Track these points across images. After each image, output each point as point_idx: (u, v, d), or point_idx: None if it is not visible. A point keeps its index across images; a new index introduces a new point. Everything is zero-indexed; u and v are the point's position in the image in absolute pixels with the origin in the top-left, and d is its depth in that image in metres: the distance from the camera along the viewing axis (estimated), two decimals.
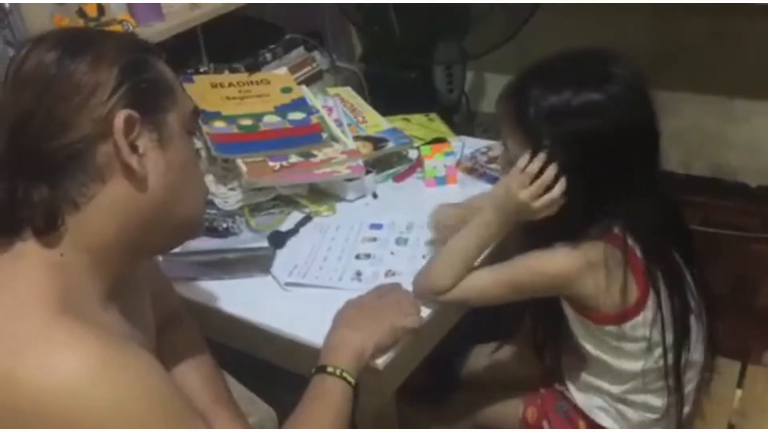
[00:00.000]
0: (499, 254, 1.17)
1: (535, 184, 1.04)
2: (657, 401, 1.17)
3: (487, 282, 1.13)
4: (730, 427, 1.33)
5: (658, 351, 1.12)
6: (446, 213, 1.32)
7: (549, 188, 1.04)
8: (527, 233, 1.13)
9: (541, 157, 1.04)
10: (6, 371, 0.68)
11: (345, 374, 0.99)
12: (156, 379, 0.74)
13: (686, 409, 1.21)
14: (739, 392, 1.39)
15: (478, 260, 1.16)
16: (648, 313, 1.10)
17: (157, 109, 0.81)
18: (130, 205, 0.80)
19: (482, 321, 1.27)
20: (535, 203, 1.05)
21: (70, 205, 0.77)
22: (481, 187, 1.48)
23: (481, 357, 1.47)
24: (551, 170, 1.03)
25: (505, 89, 1.11)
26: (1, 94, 0.78)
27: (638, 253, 1.09)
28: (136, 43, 0.83)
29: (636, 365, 1.14)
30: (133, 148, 0.78)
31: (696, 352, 1.18)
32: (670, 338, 1.12)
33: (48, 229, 0.76)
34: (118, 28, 1.55)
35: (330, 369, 0.99)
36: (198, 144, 1.43)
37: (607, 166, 1.03)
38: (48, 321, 0.71)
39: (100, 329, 0.74)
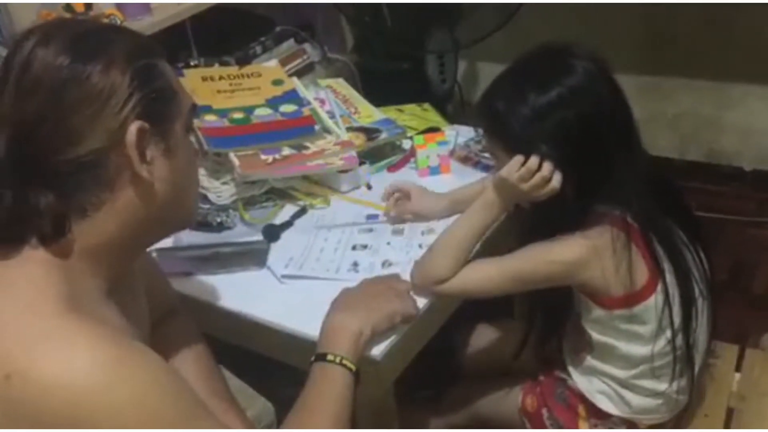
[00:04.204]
0: (496, 251, 1.17)
1: (536, 177, 1.06)
2: (663, 386, 1.17)
3: (490, 273, 1.13)
4: (729, 410, 1.33)
5: (669, 333, 1.13)
6: (432, 202, 1.34)
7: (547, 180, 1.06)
8: (528, 228, 1.13)
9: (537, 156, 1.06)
10: (23, 370, 0.68)
11: (345, 361, 0.99)
12: (168, 375, 0.76)
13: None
14: (737, 375, 1.39)
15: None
16: (659, 296, 1.11)
17: (165, 119, 0.82)
18: (136, 210, 0.81)
19: (477, 308, 1.27)
20: (535, 193, 1.07)
21: (78, 212, 0.78)
22: (476, 175, 1.47)
23: (478, 343, 1.47)
24: (548, 165, 1.05)
25: (476, 107, 1.15)
26: (2, 96, 0.76)
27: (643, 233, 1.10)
28: (143, 46, 0.83)
29: (646, 349, 1.14)
30: (143, 157, 0.79)
31: (701, 336, 1.19)
32: (678, 320, 1.12)
33: (56, 237, 0.77)
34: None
35: (330, 357, 0.99)
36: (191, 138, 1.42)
37: (588, 151, 1.06)
38: (59, 319, 0.72)
39: (108, 327, 0.75)
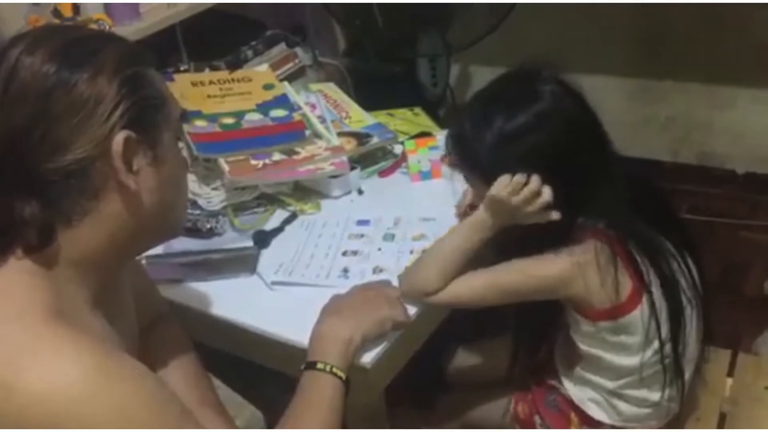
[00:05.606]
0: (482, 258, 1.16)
1: (526, 189, 1.05)
2: (653, 395, 1.17)
3: (478, 285, 1.13)
4: (722, 415, 1.33)
5: (656, 344, 1.13)
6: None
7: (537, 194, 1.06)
8: (513, 243, 1.13)
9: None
10: (9, 382, 0.68)
11: (335, 369, 0.99)
12: (154, 385, 0.75)
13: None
14: (729, 380, 1.38)
15: None
16: (645, 307, 1.10)
17: (152, 128, 0.81)
18: (122, 220, 0.80)
19: (468, 319, 1.26)
20: (528, 208, 1.06)
21: (63, 221, 0.77)
22: None
23: (469, 356, 1.47)
24: (536, 178, 1.05)
25: (446, 140, 1.17)
26: None
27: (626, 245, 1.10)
28: (132, 54, 0.82)
29: (634, 360, 1.14)
30: (129, 167, 0.78)
31: (691, 343, 1.18)
32: (665, 331, 1.12)
33: (41, 246, 0.76)
34: (94, 27, 1.52)
35: (320, 365, 0.99)
36: (180, 144, 1.41)
37: (565, 171, 1.06)
38: (44, 330, 0.71)
39: (92, 336, 0.74)
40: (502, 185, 1.06)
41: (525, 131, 1.06)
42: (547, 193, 1.05)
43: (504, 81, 1.14)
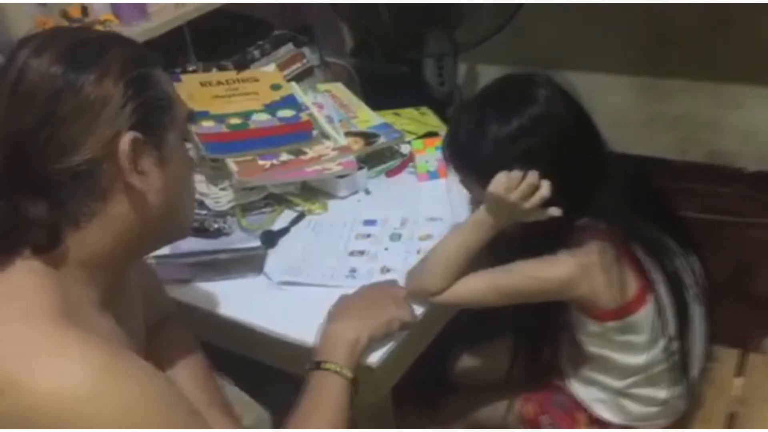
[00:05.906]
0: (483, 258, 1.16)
1: (524, 183, 1.05)
2: (661, 393, 1.17)
3: (482, 287, 1.13)
4: (731, 415, 1.32)
5: (663, 342, 1.12)
6: None
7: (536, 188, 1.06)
8: (515, 245, 1.13)
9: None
10: (17, 384, 0.68)
11: (342, 369, 0.99)
12: (162, 385, 0.76)
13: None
14: (738, 380, 1.38)
15: None
16: (651, 305, 1.10)
17: (159, 129, 0.81)
18: (130, 220, 0.81)
19: (473, 321, 1.26)
20: (526, 203, 1.05)
21: (71, 223, 0.78)
22: None
23: (473, 357, 1.47)
24: (533, 172, 1.04)
25: (442, 144, 1.18)
26: None
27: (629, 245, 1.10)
28: (139, 55, 0.82)
29: (641, 358, 1.14)
30: (136, 168, 0.79)
31: (697, 340, 1.18)
32: (672, 328, 1.12)
33: (49, 248, 0.76)
34: (101, 29, 1.53)
35: (327, 365, 0.99)
36: (188, 145, 1.42)
37: (561, 172, 1.05)
38: (52, 330, 0.72)
39: (100, 336, 0.75)
40: (500, 182, 1.06)
41: (520, 134, 1.06)
42: (545, 188, 1.05)
43: (498, 85, 1.14)
